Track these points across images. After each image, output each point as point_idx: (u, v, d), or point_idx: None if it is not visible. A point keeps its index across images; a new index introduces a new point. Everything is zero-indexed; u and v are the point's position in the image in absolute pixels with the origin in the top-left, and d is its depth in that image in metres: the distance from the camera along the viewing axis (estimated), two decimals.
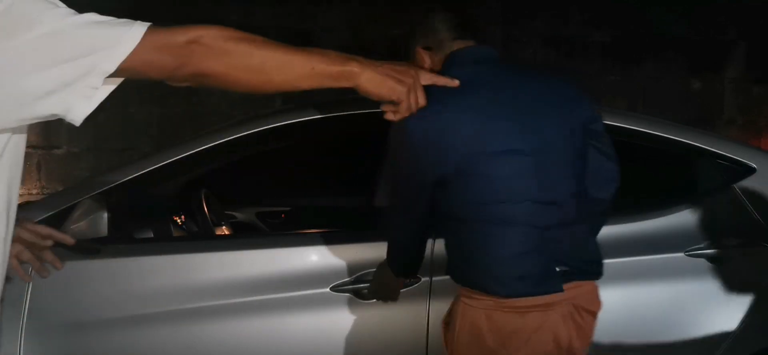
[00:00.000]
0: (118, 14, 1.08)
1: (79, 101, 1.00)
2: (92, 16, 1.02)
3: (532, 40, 5.15)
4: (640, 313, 2.17)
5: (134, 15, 1.16)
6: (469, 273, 1.68)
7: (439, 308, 2.09)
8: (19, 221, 1.26)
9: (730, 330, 2.15)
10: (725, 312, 2.17)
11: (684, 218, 2.24)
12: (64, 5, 1.03)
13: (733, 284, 2.18)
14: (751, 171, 2.30)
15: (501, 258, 1.62)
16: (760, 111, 5.36)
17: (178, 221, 2.64)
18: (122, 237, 2.23)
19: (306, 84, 1.21)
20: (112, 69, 1.01)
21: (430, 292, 2.11)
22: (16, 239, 1.42)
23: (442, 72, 1.67)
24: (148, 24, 1.04)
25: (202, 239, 2.54)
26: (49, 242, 1.57)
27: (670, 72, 5.25)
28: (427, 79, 1.41)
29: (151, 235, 2.39)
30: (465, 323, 1.68)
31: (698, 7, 5.14)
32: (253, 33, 1.14)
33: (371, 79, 1.28)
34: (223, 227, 2.89)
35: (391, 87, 1.31)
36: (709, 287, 2.18)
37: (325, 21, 4.99)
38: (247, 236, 2.73)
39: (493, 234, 1.62)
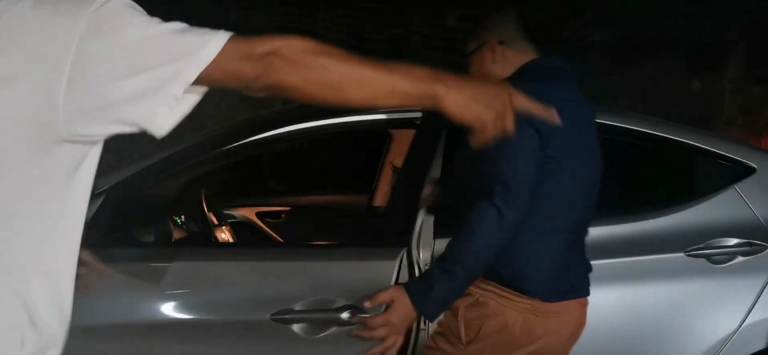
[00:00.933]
0: None
1: (162, 111, 1.00)
2: (177, 24, 1.03)
3: (532, 40, 5.15)
4: (640, 313, 2.16)
5: None
6: (511, 273, 1.77)
7: None
8: None
9: (730, 331, 2.15)
10: (725, 313, 2.17)
11: (684, 218, 2.24)
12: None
13: (733, 285, 2.18)
14: (751, 171, 2.31)
15: (550, 264, 1.78)
16: (760, 111, 5.37)
17: (178, 220, 2.64)
18: (121, 238, 2.22)
19: (385, 103, 1.15)
20: (194, 77, 1.01)
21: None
22: None
23: (518, 79, 1.82)
24: (230, 33, 1.04)
25: (200, 244, 2.53)
26: (84, 270, 1.55)
27: (670, 72, 5.26)
28: (521, 104, 1.23)
29: (151, 235, 2.39)
30: (497, 321, 1.76)
31: (698, 7, 5.14)
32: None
33: (457, 102, 1.15)
34: (223, 227, 2.89)
35: (478, 113, 1.16)
36: (709, 287, 2.18)
37: (325, 21, 4.99)
38: (189, 245, 2.53)
39: (549, 241, 1.77)
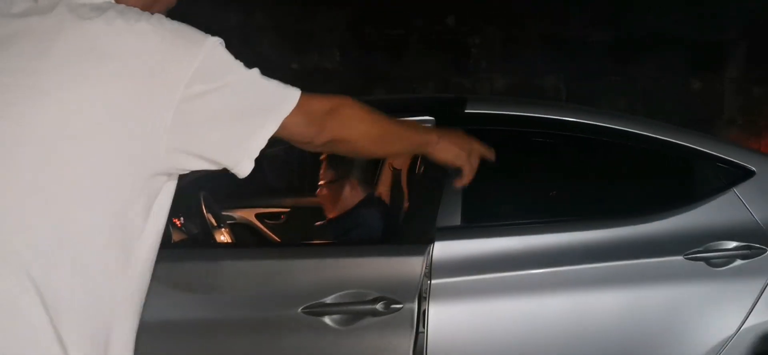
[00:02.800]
0: None
1: (246, 156, 1.10)
2: (258, 75, 1.14)
3: (532, 40, 5.15)
4: (638, 316, 2.16)
5: None
6: None
7: (437, 310, 2.09)
8: None
9: (728, 334, 2.15)
10: (724, 316, 2.16)
11: (683, 221, 2.24)
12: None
13: (732, 288, 2.18)
14: (750, 174, 2.30)
15: None
16: (761, 111, 5.36)
17: (177, 222, 2.64)
18: None
19: (401, 151, 1.48)
20: (276, 127, 1.12)
21: (429, 294, 2.10)
22: None
23: None
24: (300, 91, 1.16)
25: (166, 246, 2.52)
26: None
27: (670, 72, 5.25)
28: (480, 148, 1.55)
29: None
30: None
31: (698, 7, 5.14)
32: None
33: (445, 148, 1.44)
34: (222, 229, 2.89)
35: (457, 153, 1.47)
36: (708, 290, 2.18)
37: (325, 21, 4.99)
38: (213, 245, 2.57)
39: None
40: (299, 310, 1.95)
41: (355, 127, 1.25)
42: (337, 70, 5.00)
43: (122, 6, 1.07)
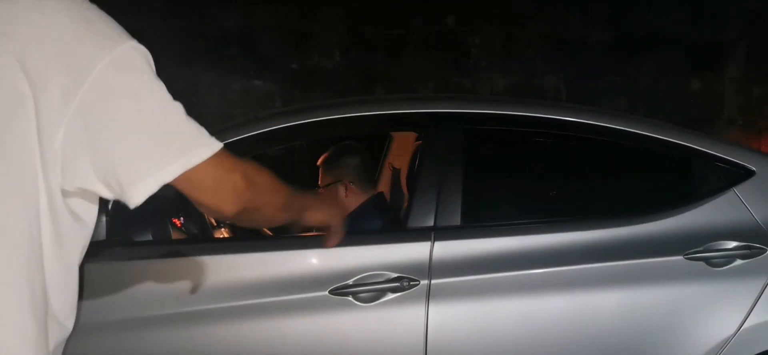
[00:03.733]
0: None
1: (140, 190, 0.97)
2: (182, 108, 1.02)
3: (532, 40, 5.15)
4: (638, 316, 2.16)
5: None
6: None
7: (437, 312, 2.10)
8: None
9: (728, 334, 2.15)
10: (724, 315, 2.17)
11: (683, 221, 2.24)
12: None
13: (731, 288, 2.18)
14: (750, 174, 2.30)
15: None
16: (760, 111, 5.36)
17: (177, 222, 2.64)
18: (121, 240, 2.22)
19: (291, 219, 1.36)
20: (181, 171, 0.98)
21: (429, 295, 2.11)
22: None
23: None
24: (221, 145, 1.04)
25: (199, 242, 2.54)
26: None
27: (670, 72, 5.25)
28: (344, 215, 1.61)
29: (150, 237, 2.39)
30: None
31: (698, 7, 5.14)
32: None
33: (321, 210, 1.48)
34: (222, 229, 2.89)
35: (331, 214, 1.53)
36: (708, 290, 2.18)
37: (325, 21, 4.99)
38: (244, 239, 2.72)
39: None
40: (327, 292, 2.07)
41: (267, 196, 1.16)
42: (337, 70, 5.00)
43: None
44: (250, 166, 1.10)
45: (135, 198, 0.97)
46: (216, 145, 1.02)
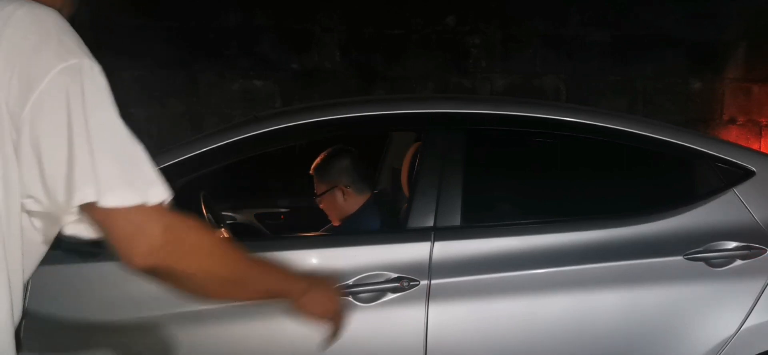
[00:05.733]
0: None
1: (79, 194, 0.93)
2: (134, 143, 0.98)
3: (532, 40, 5.15)
4: (638, 316, 2.17)
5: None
6: None
7: (437, 312, 2.10)
8: None
9: (728, 334, 2.15)
10: (724, 316, 2.17)
11: (683, 221, 2.24)
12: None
13: (731, 288, 2.18)
14: (750, 174, 2.30)
15: None
16: (760, 111, 5.36)
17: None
18: None
19: (254, 298, 1.17)
20: (115, 203, 0.93)
21: (429, 295, 2.11)
22: None
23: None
24: (169, 195, 0.98)
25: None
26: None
27: (670, 72, 5.25)
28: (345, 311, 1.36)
29: None
30: None
31: (698, 7, 5.14)
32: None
33: (315, 301, 1.24)
34: (222, 229, 2.89)
35: (327, 310, 1.28)
36: (708, 290, 2.18)
37: (325, 21, 4.99)
38: (244, 239, 2.73)
39: None
40: None
41: (197, 261, 1.00)
42: (337, 70, 5.00)
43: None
44: (185, 223, 0.99)
45: (74, 203, 0.93)
46: (164, 193, 0.97)
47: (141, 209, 0.94)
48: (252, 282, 1.12)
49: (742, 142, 5.13)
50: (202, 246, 1.02)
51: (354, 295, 2.10)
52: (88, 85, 0.95)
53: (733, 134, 5.31)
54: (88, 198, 0.92)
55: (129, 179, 0.94)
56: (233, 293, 1.12)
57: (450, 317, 2.12)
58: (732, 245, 2.20)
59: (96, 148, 0.93)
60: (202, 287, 1.05)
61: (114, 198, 0.92)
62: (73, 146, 0.92)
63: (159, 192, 0.96)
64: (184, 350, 2.09)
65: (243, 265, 1.09)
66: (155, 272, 0.97)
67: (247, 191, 4.14)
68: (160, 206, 0.96)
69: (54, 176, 0.93)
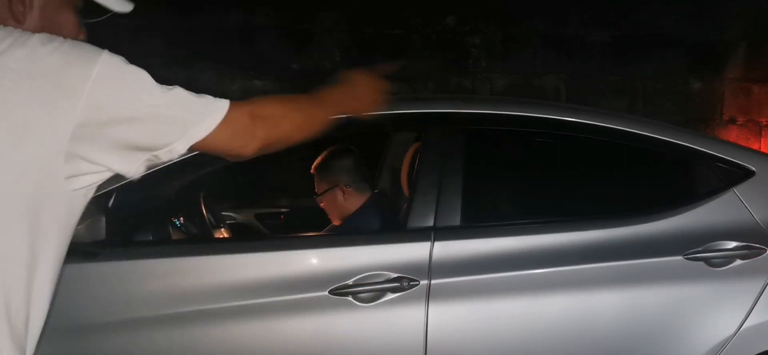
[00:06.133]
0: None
1: (136, 165, 1.11)
2: (178, 90, 1.14)
3: (532, 40, 5.15)
4: (638, 316, 2.17)
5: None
6: None
7: (437, 312, 2.10)
8: None
9: (728, 334, 2.15)
10: (724, 316, 2.17)
11: (683, 221, 2.24)
12: None
13: (731, 288, 2.18)
14: (750, 174, 2.30)
15: None
16: (760, 111, 5.36)
17: (177, 223, 2.64)
18: (120, 240, 2.22)
19: (325, 120, 1.40)
20: (188, 145, 1.12)
21: (429, 295, 2.11)
22: None
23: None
24: (229, 103, 1.16)
25: (200, 242, 2.54)
26: None
27: (670, 72, 5.25)
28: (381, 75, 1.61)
29: (150, 237, 2.39)
30: None
31: (698, 7, 5.14)
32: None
33: (364, 96, 1.53)
34: (222, 229, 2.89)
35: (378, 96, 1.56)
36: (708, 290, 2.18)
37: (325, 21, 4.98)
38: (245, 239, 2.73)
39: None
40: (327, 292, 2.07)
41: (282, 123, 1.25)
42: (337, 70, 4.98)
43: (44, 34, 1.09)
44: (256, 104, 1.21)
45: (136, 172, 1.11)
46: (219, 110, 1.14)
47: (223, 121, 1.13)
48: (318, 110, 1.37)
49: (742, 142, 5.13)
50: (277, 110, 1.25)
51: (354, 295, 2.10)
52: (124, 71, 1.08)
53: (733, 134, 5.31)
54: (192, 142, 1.12)
55: (202, 111, 1.13)
56: (314, 126, 1.35)
57: (450, 317, 2.12)
58: (732, 244, 2.20)
59: (166, 108, 1.10)
60: (295, 136, 1.28)
61: (203, 129, 1.12)
62: (136, 132, 1.09)
63: (220, 103, 1.15)
64: (184, 349, 2.09)
65: (305, 106, 1.34)
66: (263, 149, 1.21)
67: (246, 191, 4.14)
68: (230, 108, 1.15)
69: (157, 141, 1.11)
